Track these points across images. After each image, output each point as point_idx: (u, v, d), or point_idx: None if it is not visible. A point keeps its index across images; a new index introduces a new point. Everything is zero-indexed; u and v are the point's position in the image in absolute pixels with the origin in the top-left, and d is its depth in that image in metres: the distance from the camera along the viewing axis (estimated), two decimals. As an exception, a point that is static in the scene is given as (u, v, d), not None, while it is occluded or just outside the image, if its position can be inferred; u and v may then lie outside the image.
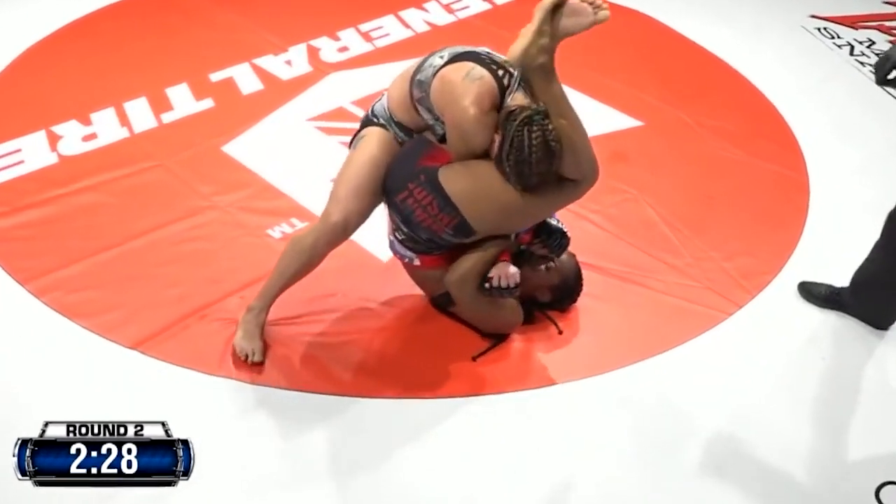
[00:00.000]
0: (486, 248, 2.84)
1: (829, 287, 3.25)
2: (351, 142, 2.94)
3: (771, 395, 2.96)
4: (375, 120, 2.88)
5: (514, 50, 2.65)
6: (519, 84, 2.69)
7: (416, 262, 2.90)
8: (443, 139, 2.79)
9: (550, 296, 3.09)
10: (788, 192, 3.84)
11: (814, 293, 3.26)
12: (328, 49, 4.55)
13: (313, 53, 4.50)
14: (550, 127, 2.60)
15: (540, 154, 2.60)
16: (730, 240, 3.54)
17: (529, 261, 3.00)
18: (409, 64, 2.86)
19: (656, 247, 3.48)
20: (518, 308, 3.01)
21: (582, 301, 3.18)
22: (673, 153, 4.01)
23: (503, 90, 2.67)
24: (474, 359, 2.96)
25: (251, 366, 2.87)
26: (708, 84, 4.57)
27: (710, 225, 3.62)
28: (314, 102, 4.16)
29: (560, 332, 3.07)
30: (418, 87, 2.74)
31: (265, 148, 3.86)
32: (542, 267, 3.02)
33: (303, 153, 3.85)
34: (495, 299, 2.92)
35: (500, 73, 2.68)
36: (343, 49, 4.57)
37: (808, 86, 4.61)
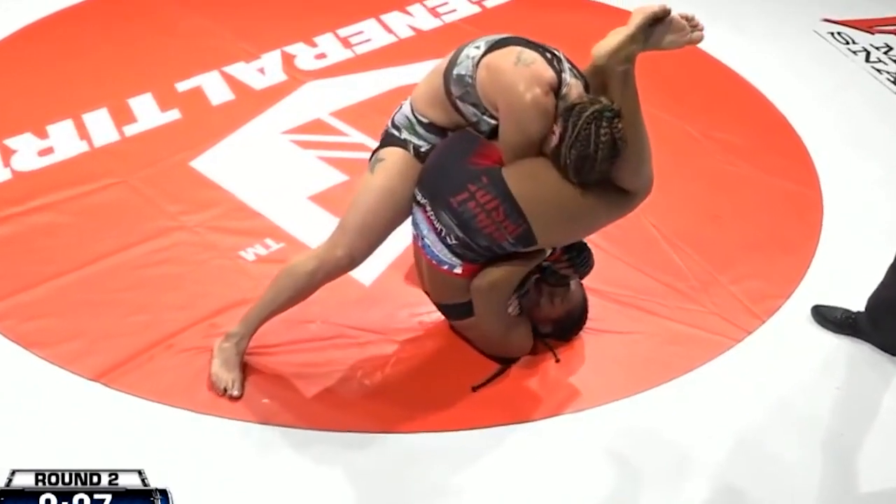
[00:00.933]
0: (521, 260, 2.90)
1: (845, 311, 3.32)
2: (371, 158, 2.96)
3: (782, 427, 3.02)
4: (397, 134, 2.90)
5: (601, 48, 2.67)
6: (571, 70, 2.74)
7: (458, 271, 2.90)
8: (491, 135, 2.81)
9: (552, 328, 3.16)
10: (800, 210, 3.92)
11: (828, 318, 3.33)
12: (304, 56, 4.61)
13: (288, 61, 4.56)
14: (620, 126, 2.67)
15: (606, 152, 2.66)
16: (738, 261, 3.61)
17: (550, 278, 3.07)
18: (431, 69, 2.90)
19: (659, 269, 3.55)
20: (530, 333, 3.08)
21: (585, 329, 3.24)
22: (677, 168, 4.08)
23: (558, 75, 2.71)
24: (474, 389, 3.01)
25: (229, 399, 2.91)
26: (714, 93, 4.66)
27: (717, 245, 3.69)
28: (289, 114, 4.21)
29: (558, 361, 3.13)
30: (458, 84, 2.77)
31: (237, 163, 3.90)
32: (550, 298, 3.08)
33: (278, 169, 3.90)
34: (513, 318, 3.01)
35: (549, 55, 2.73)
36: (320, 56, 4.63)
37: (821, 95, 4.70)
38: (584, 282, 3.25)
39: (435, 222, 2.87)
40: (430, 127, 2.87)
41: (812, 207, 3.93)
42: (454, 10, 5.13)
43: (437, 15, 5.07)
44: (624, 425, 2.97)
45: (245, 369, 2.97)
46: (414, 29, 4.92)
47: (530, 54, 2.71)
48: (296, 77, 4.45)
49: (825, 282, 3.55)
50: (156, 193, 3.69)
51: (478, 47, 2.78)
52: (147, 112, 4.14)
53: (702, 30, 2.70)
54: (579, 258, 3.00)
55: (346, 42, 4.76)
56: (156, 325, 3.13)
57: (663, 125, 4.29)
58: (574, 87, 2.73)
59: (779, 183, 4.05)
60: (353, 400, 2.97)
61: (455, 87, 2.78)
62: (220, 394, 2.91)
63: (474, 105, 2.78)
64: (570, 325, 3.18)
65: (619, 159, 2.70)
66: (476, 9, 5.17)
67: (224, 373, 2.93)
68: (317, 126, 4.14)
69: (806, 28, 5.29)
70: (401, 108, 2.95)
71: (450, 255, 2.89)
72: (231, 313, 3.12)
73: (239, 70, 4.47)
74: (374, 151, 2.96)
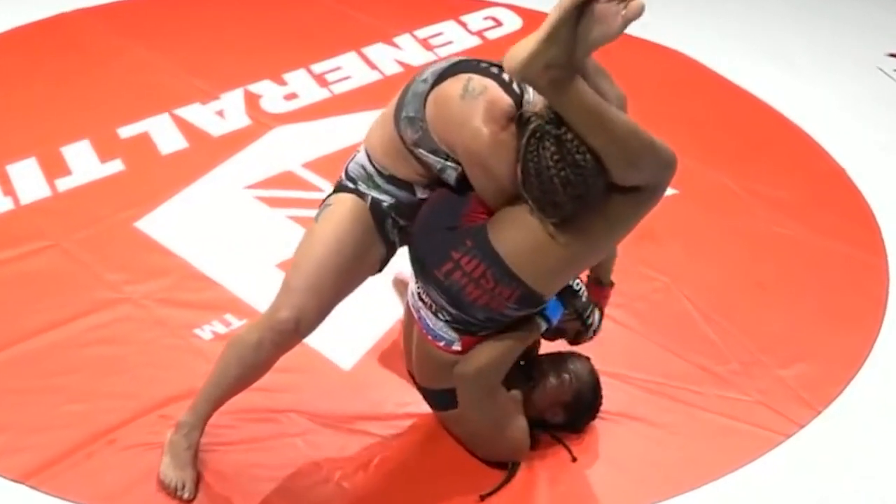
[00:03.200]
0: (511, 335, 2.92)
1: None
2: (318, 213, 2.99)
3: (842, 540, 3.07)
4: (350, 185, 2.92)
5: (511, 60, 2.56)
6: None
7: (457, 347, 2.94)
8: (461, 184, 2.81)
9: (564, 416, 3.19)
10: (861, 280, 3.98)
11: None
12: (271, 96, 4.70)
13: (252, 102, 4.64)
14: (569, 135, 2.61)
15: (566, 173, 2.61)
16: (787, 340, 3.67)
17: (564, 335, 3.14)
18: (382, 111, 2.94)
19: (693, 349, 3.60)
20: (526, 428, 3.09)
21: (600, 420, 3.28)
22: (714, 229, 4.15)
23: (517, 99, 2.72)
24: (482, 498, 3.03)
25: (179, 501, 2.95)
26: (758, 141, 4.72)
27: (762, 321, 3.75)
28: (254, 165, 4.27)
29: (574, 460, 3.17)
30: (411, 127, 2.79)
31: (191, 224, 3.95)
32: (558, 374, 3.13)
33: (240, 230, 3.95)
34: (506, 409, 3.03)
35: (507, 77, 2.73)
36: (290, 96, 4.72)
37: (886, 142, 4.78)
38: (607, 367, 3.31)
39: (425, 297, 2.94)
40: (393, 180, 2.89)
41: (875, 275, 3.98)
42: (450, 42, 5.21)
43: (429, 47, 5.15)
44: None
45: (198, 466, 3.00)
46: (402, 64, 5.00)
47: (479, 81, 2.71)
48: (261, 121, 4.53)
49: (893, 364, 3.60)
50: (94, 259, 3.74)
51: (425, 80, 2.79)
52: (84, 163, 4.20)
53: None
54: (584, 312, 3.07)
55: (321, 80, 4.85)
56: (95, 416, 3.16)
57: (697, 178, 4.35)
58: (539, 104, 2.69)
59: (835, 246, 4.12)
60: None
61: (408, 132, 2.80)
62: (170, 495, 2.95)
63: (433, 151, 2.79)
64: (582, 409, 3.22)
65: (589, 172, 2.62)
66: (476, 40, 5.26)
67: (172, 471, 2.96)
68: (286, 179, 4.20)
69: (868, 64, 5.37)
70: (355, 156, 2.97)
71: (448, 330, 2.94)
72: (184, 403, 3.10)
73: (193, 113, 4.54)
74: (323, 202, 2.98)
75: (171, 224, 3.95)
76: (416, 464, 3.16)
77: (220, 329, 3.51)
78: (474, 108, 2.68)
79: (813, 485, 3.21)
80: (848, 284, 3.96)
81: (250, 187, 4.16)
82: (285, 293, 2.90)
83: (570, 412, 3.20)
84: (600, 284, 3.16)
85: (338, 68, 4.95)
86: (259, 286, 3.66)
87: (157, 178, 4.17)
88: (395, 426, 3.26)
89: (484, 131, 2.67)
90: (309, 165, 4.25)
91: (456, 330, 2.93)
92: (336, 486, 3.06)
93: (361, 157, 2.95)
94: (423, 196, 2.92)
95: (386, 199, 2.90)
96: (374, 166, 2.91)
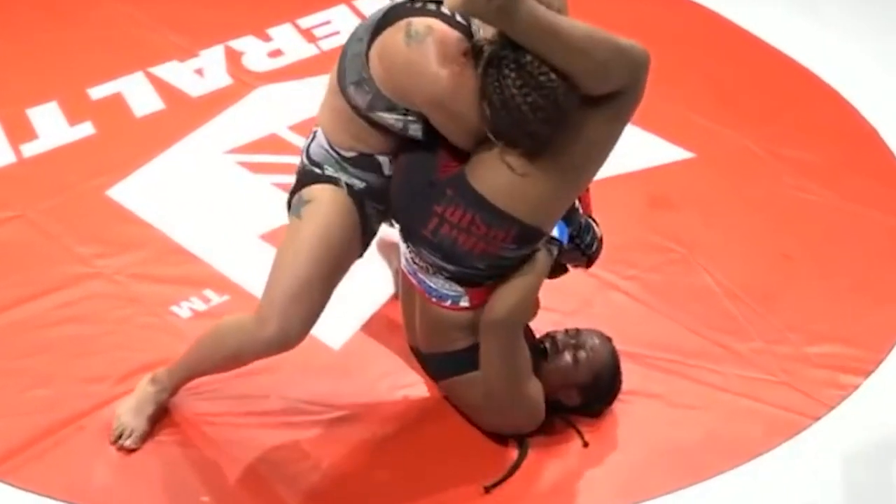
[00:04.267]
0: (528, 270, 2.92)
1: None
2: (289, 202, 3.00)
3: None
4: (319, 171, 2.94)
5: None
6: None
7: (465, 303, 2.96)
8: (430, 135, 2.82)
9: (579, 398, 3.19)
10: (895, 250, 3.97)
11: None
12: (255, 53, 4.68)
13: (234, 59, 4.63)
14: (528, 57, 2.60)
15: (533, 97, 2.62)
16: (814, 317, 3.66)
17: (565, 270, 3.14)
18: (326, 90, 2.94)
19: (713, 326, 3.58)
20: (542, 390, 3.09)
21: (615, 402, 3.26)
22: (735, 195, 4.13)
23: (466, 30, 2.72)
24: (487, 490, 3.02)
25: (118, 449, 2.99)
26: (783, 99, 4.68)
27: (788, 296, 3.74)
28: (236, 128, 4.26)
29: (586, 445, 3.16)
30: (359, 92, 2.79)
31: (168, 192, 3.95)
32: (569, 359, 3.13)
33: (221, 199, 3.95)
34: (528, 361, 3.03)
35: (446, 10, 2.70)
36: (275, 53, 4.70)
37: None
38: (619, 344, 3.28)
39: (418, 260, 2.95)
40: (358, 160, 2.91)
41: (912, 246, 3.98)
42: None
43: (424, -2, 5.14)
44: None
45: (154, 425, 3.05)
46: (396, 17, 5.00)
47: (421, 22, 2.70)
48: (243, 80, 4.52)
49: (929, 342, 3.59)
50: (63, 231, 3.73)
51: (360, 39, 2.80)
52: (51, 126, 4.19)
53: None
54: (583, 234, 3.05)
55: (308, 35, 4.83)
56: (62, 401, 3.15)
57: (714, 139, 4.34)
58: (490, 30, 2.69)
59: (867, 213, 4.10)
60: (318, 497, 3.00)
61: (357, 98, 2.81)
62: (112, 436, 3.02)
63: (390, 110, 2.80)
64: (600, 392, 3.21)
65: (559, 90, 2.63)
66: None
67: (129, 417, 3.02)
68: (271, 143, 4.19)
69: (905, 17, 5.34)
70: (313, 137, 2.97)
71: (453, 286, 2.95)
72: None
73: (170, 71, 4.53)
74: (293, 193, 2.98)
75: (146, 192, 3.94)
76: (413, 451, 3.14)
77: (200, 306, 3.50)
78: (424, 52, 2.68)
79: (842, 471, 3.20)
80: (880, 255, 3.94)
81: (232, 152, 4.16)
82: (270, 305, 2.90)
83: (586, 395, 3.19)
84: None
85: (327, 22, 4.91)
86: (242, 259, 3.68)
87: (131, 142, 4.16)
88: (389, 410, 3.24)
89: (441, 74, 2.67)
90: (295, 128, 4.23)
91: (462, 284, 2.93)
92: (324, 475, 3.05)
93: (321, 138, 2.95)
94: (390, 174, 2.95)
95: (356, 183, 2.92)
96: (335, 151, 2.91)
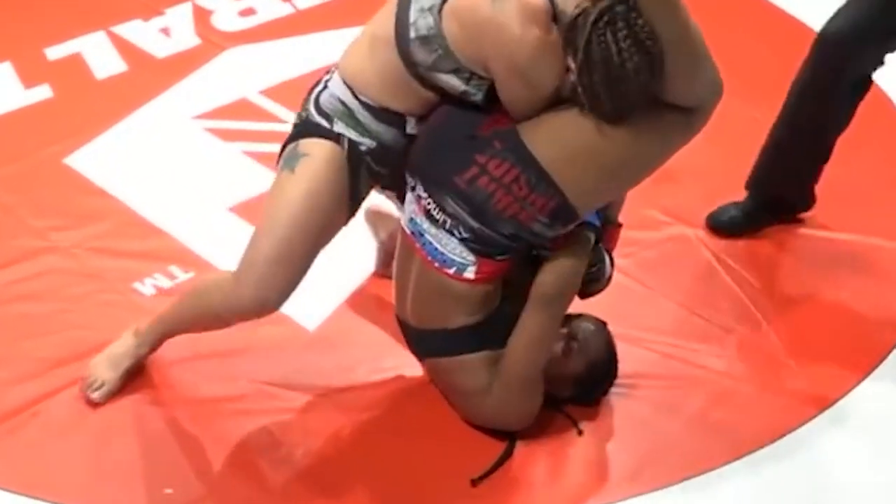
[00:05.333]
0: (570, 252, 2.96)
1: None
2: (280, 155, 2.98)
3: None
4: (324, 123, 2.91)
5: None
6: None
7: (470, 275, 2.96)
8: (487, 102, 2.85)
9: (573, 389, 3.18)
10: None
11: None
12: (225, 12, 4.66)
13: (202, 18, 4.61)
14: (640, 21, 2.68)
15: (637, 59, 2.68)
16: (826, 298, 3.64)
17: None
18: (363, 31, 2.92)
19: (715, 307, 3.57)
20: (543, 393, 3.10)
21: (610, 390, 3.25)
22: (740, 169, 4.05)
23: None
24: (475, 483, 3.00)
25: (85, 401, 3.05)
26: (795, 65, 4.68)
27: (795, 275, 3.73)
28: (204, 92, 4.25)
29: (580, 434, 3.15)
30: (424, 49, 2.79)
31: (131, 160, 3.93)
32: (559, 351, 3.11)
33: (188, 168, 3.94)
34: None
35: None
36: (247, 12, 4.68)
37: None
38: (616, 328, 3.27)
39: (435, 212, 2.92)
40: (383, 114, 2.90)
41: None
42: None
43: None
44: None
45: (128, 380, 3.09)
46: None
47: None
48: (212, 41, 4.50)
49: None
50: (17, 202, 3.72)
51: None
52: (5, 89, 4.17)
53: None
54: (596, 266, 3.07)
55: (282, -8, 4.81)
56: (15, 385, 3.14)
57: (722, 112, 4.16)
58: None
59: (881, 188, 4.10)
60: (289, 489, 2.97)
61: (421, 55, 2.81)
62: (82, 383, 3.08)
63: (455, 72, 2.81)
64: (594, 382, 3.20)
65: (656, 62, 2.72)
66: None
67: (103, 368, 3.09)
68: (242, 109, 4.17)
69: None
70: (326, 85, 2.95)
71: (462, 252, 2.93)
72: None
73: (133, 31, 4.51)
74: (288, 143, 2.96)
75: (106, 161, 3.93)
76: (394, 440, 3.13)
77: (164, 283, 3.50)
78: (508, 14, 2.70)
79: (852, 462, 3.19)
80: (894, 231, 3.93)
81: (200, 117, 4.15)
82: (250, 267, 2.91)
83: (580, 386, 3.18)
84: (607, 224, 3.16)
85: (303, -22, 4.90)
86: (210, 233, 3.67)
87: (92, 106, 4.15)
88: (369, 397, 3.23)
89: (526, 38, 2.70)
90: (268, 92, 4.23)
91: (474, 251, 2.92)
92: (298, 465, 3.04)
93: (338, 87, 2.92)
94: (413, 132, 2.95)
95: (365, 143, 2.91)
96: (358, 100, 2.89)
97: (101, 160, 3.91)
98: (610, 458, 3.14)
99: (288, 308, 3.15)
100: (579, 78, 2.73)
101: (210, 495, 2.94)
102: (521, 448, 3.09)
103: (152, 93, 4.20)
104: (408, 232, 3.02)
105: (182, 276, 3.51)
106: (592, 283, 3.11)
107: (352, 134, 2.90)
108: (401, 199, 3.11)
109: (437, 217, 2.92)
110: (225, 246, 3.55)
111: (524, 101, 2.82)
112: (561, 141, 2.83)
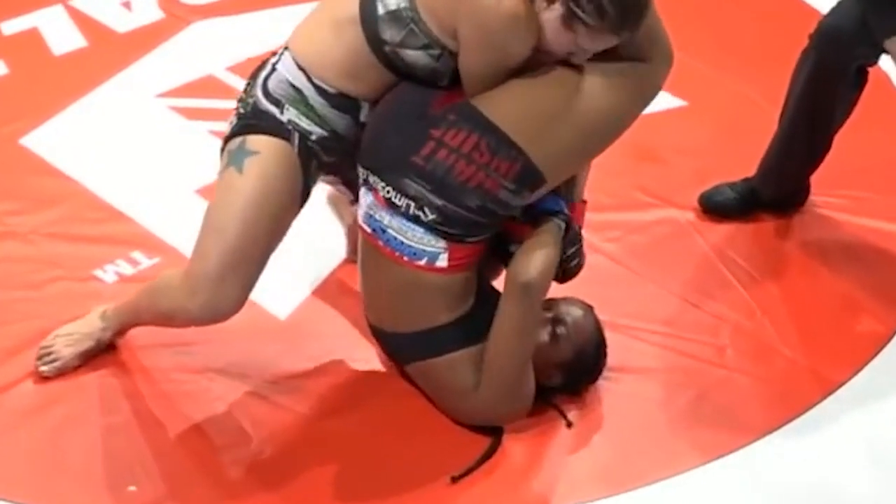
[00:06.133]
0: (543, 236, 2.96)
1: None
2: (226, 141, 2.96)
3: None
4: (275, 111, 2.90)
5: None
6: None
7: (442, 263, 2.95)
8: (444, 72, 2.87)
9: (561, 377, 3.17)
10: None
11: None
12: (190, -16, 4.65)
13: (166, -10, 4.60)
14: None
15: None
16: (826, 284, 3.63)
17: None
18: (314, 11, 2.93)
19: (706, 293, 3.57)
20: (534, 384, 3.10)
21: (600, 378, 3.24)
22: (731, 149, 4.10)
23: None
24: (455, 480, 3.00)
25: (37, 374, 3.08)
26: (790, 44, 4.59)
27: (791, 260, 3.72)
28: (168, 68, 4.24)
29: (569, 426, 3.14)
30: (394, 25, 2.80)
31: (90, 141, 3.92)
32: (546, 336, 3.10)
33: (151, 148, 3.93)
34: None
35: None
36: (213, -17, 4.68)
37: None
38: (603, 315, 3.26)
39: (396, 199, 2.91)
40: (339, 99, 2.90)
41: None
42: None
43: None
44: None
45: (83, 362, 3.12)
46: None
47: None
48: (176, 14, 4.49)
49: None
50: (-30, 184, 3.71)
51: None
52: (-44, 65, 4.18)
53: None
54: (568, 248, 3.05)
55: (251, -38, 4.81)
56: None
57: (709, 86, 4.34)
58: None
59: (877, 165, 4.08)
60: (257, 484, 2.96)
61: (390, 31, 2.82)
62: (39, 353, 3.12)
63: (425, 47, 2.82)
64: (583, 369, 3.20)
65: None
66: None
67: (63, 345, 3.12)
68: (207, 86, 4.17)
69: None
70: (274, 68, 2.93)
71: (430, 238, 2.92)
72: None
73: (93, 4, 4.50)
74: (234, 136, 2.93)
75: (65, 141, 3.93)
76: (369, 434, 3.11)
77: (127, 270, 3.49)
78: None
79: (850, 454, 3.18)
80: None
81: (163, 95, 4.15)
82: (201, 274, 2.91)
83: (568, 373, 3.17)
84: (572, 201, 3.14)
85: (272, -51, 4.89)
86: (175, 217, 3.66)
87: (49, 84, 4.15)
88: (343, 388, 3.23)
89: (504, 8, 2.72)
90: (235, 69, 4.22)
91: (442, 235, 2.92)
92: (267, 462, 3.02)
93: (290, 70, 2.91)
94: (365, 121, 2.96)
95: (316, 132, 2.91)
96: (312, 83, 2.88)
97: (60, 140, 3.91)
98: (599, 453, 3.12)
99: (258, 296, 3.15)
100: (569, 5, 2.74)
101: (175, 493, 2.92)
102: (506, 442, 3.09)
103: (113, 69, 4.20)
104: (368, 230, 3.00)
105: (146, 262, 3.50)
106: (570, 264, 3.10)
107: (303, 122, 2.90)
108: (346, 185, 3.12)
109: (399, 203, 2.91)
110: (191, 230, 3.47)
111: (487, 72, 2.84)
112: (520, 104, 2.87)
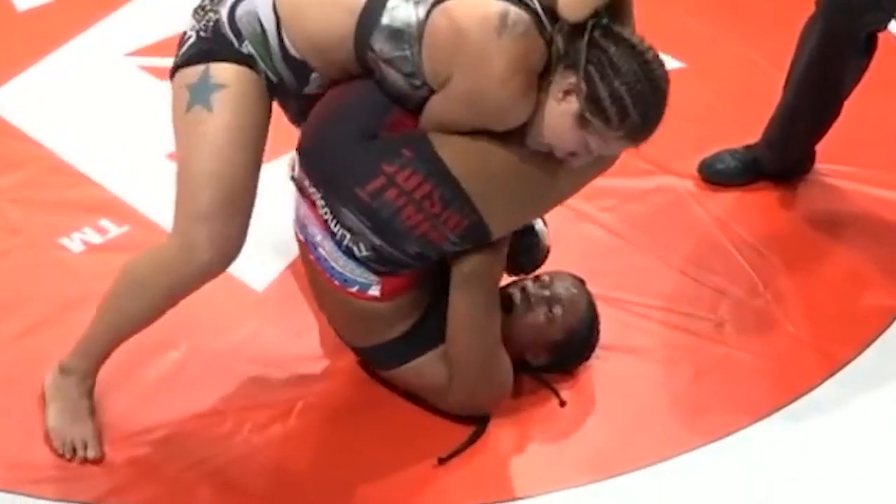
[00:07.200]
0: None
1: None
2: (178, 66, 2.90)
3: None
4: (236, 43, 2.83)
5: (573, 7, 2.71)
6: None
7: (374, 292, 2.94)
8: (414, 100, 2.85)
9: (549, 356, 3.18)
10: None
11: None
12: (160, -65, 4.63)
13: (135, -58, 4.59)
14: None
15: (658, 67, 2.74)
16: (831, 257, 3.66)
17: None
18: None
19: (705, 266, 3.58)
20: (510, 365, 3.10)
21: (594, 356, 3.25)
22: (733, 113, 4.12)
23: (548, 42, 2.74)
24: (442, 461, 3.01)
25: (80, 463, 2.91)
26: (795, 4, 4.63)
27: (794, 231, 3.73)
28: (137, 25, 4.23)
29: (562, 404, 3.15)
30: (390, 42, 2.77)
31: (56, 102, 3.92)
32: (542, 318, 3.11)
33: (120, 110, 3.93)
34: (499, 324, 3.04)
35: (541, 12, 2.73)
36: (184, -65, 4.65)
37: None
38: (597, 288, 3.27)
39: (333, 225, 2.90)
40: (294, 63, 2.87)
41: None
42: None
43: None
44: (664, 501, 3.00)
45: (96, 416, 2.97)
46: None
47: (519, 15, 2.70)
48: None
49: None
50: (-72, 147, 3.71)
51: None
52: (-87, 22, 4.18)
53: None
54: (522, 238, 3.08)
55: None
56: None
57: (710, 48, 4.35)
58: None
59: (880, 132, 4.09)
60: (234, 467, 2.97)
61: (384, 45, 2.78)
62: (65, 456, 2.92)
63: (409, 75, 2.80)
64: (572, 349, 3.21)
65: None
66: None
67: (69, 426, 2.95)
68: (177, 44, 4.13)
69: None
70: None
71: (361, 270, 2.92)
72: (48, 332, 3.14)
73: None
74: (192, 62, 2.88)
75: (29, 102, 3.93)
76: (350, 412, 3.13)
77: (94, 238, 3.49)
78: (507, 51, 2.70)
79: (856, 434, 3.19)
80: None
81: (133, 54, 4.15)
82: (197, 221, 2.84)
83: (558, 352, 3.19)
84: None
85: None
86: (145, 183, 3.65)
87: (12, 41, 4.16)
88: (322, 364, 3.24)
89: (508, 86, 2.71)
90: None
91: (375, 271, 2.92)
92: (244, 442, 3.03)
93: (264, 9, 2.84)
94: (310, 93, 2.95)
95: (275, 79, 2.89)
96: (279, 37, 2.84)
97: (23, 101, 3.91)
98: (592, 434, 3.14)
99: (235, 267, 3.15)
100: (589, 105, 2.71)
101: (148, 474, 2.93)
102: (496, 422, 3.10)
103: (80, 27, 4.20)
104: (302, 239, 3.00)
105: (115, 230, 3.50)
106: (525, 254, 3.11)
107: (263, 65, 2.86)
108: (291, 120, 3.10)
109: (335, 230, 2.90)
110: (162, 196, 3.45)
111: (458, 124, 2.82)
112: (482, 158, 2.83)
